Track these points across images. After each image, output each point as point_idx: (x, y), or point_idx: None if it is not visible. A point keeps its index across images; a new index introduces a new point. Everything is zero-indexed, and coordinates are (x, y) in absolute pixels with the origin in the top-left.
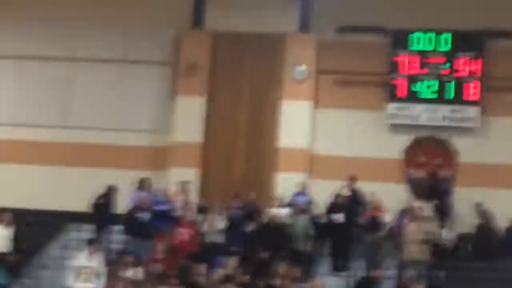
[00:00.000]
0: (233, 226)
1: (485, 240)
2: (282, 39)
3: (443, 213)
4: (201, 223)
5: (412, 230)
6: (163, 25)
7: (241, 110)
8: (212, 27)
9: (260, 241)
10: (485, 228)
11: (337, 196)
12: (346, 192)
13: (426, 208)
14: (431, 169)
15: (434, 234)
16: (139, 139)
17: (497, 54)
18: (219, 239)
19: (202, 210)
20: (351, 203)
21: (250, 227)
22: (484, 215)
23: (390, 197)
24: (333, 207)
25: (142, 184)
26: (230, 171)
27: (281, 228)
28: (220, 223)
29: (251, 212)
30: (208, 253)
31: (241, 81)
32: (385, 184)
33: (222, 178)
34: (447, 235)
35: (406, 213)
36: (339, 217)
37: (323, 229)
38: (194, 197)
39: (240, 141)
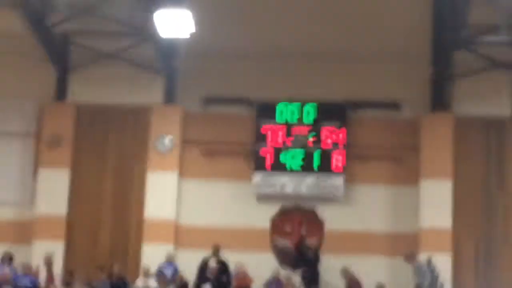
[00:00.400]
0: None
1: None
2: (148, 110)
3: (311, 281)
4: None
5: None
6: (27, 97)
7: (107, 181)
8: (76, 99)
9: None
10: None
11: (204, 265)
12: (213, 263)
13: (293, 276)
14: (297, 238)
15: None
16: (2, 213)
17: (359, 124)
18: None
19: (66, 283)
20: (218, 273)
21: None
22: (351, 280)
23: (258, 266)
24: (201, 278)
25: (4, 259)
26: (96, 243)
27: None
28: None
29: (118, 285)
30: None
31: (106, 153)
32: (253, 254)
33: (88, 250)
34: None
35: (274, 282)
36: None
37: None
38: (58, 270)
39: (106, 213)
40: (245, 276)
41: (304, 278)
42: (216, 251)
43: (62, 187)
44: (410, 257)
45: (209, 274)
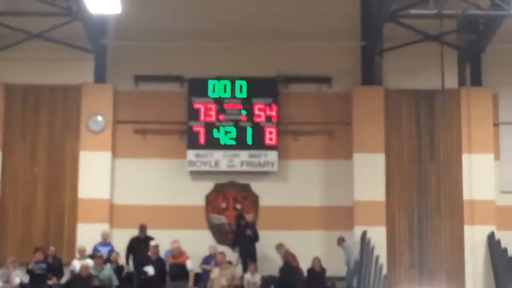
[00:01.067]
0: (36, 281)
1: (289, 280)
2: (79, 89)
3: (247, 257)
4: None
5: (216, 276)
6: None
7: (39, 162)
8: (5, 80)
9: None
10: (288, 268)
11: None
12: (153, 242)
13: (229, 253)
14: (232, 214)
15: (238, 278)
16: None
17: (291, 99)
18: None
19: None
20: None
21: (51, 281)
22: (286, 255)
23: (194, 243)
24: (141, 259)
25: None
26: (30, 224)
27: (91, 279)
28: (17, 278)
29: (53, 265)
30: None
31: (38, 133)
32: (189, 231)
33: (22, 231)
34: (251, 279)
35: (210, 259)
36: (149, 269)
37: (129, 280)
38: None
39: (39, 193)
40: (180, 253)
41: (240, 254)
42: (143, 230)
43: None
44: (340, 241)
45: (151, 254)
